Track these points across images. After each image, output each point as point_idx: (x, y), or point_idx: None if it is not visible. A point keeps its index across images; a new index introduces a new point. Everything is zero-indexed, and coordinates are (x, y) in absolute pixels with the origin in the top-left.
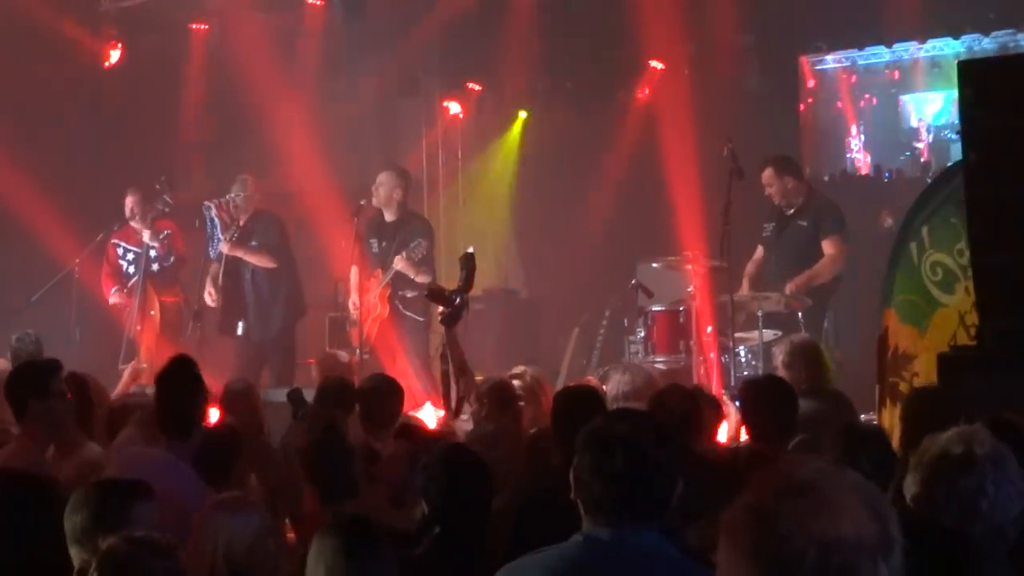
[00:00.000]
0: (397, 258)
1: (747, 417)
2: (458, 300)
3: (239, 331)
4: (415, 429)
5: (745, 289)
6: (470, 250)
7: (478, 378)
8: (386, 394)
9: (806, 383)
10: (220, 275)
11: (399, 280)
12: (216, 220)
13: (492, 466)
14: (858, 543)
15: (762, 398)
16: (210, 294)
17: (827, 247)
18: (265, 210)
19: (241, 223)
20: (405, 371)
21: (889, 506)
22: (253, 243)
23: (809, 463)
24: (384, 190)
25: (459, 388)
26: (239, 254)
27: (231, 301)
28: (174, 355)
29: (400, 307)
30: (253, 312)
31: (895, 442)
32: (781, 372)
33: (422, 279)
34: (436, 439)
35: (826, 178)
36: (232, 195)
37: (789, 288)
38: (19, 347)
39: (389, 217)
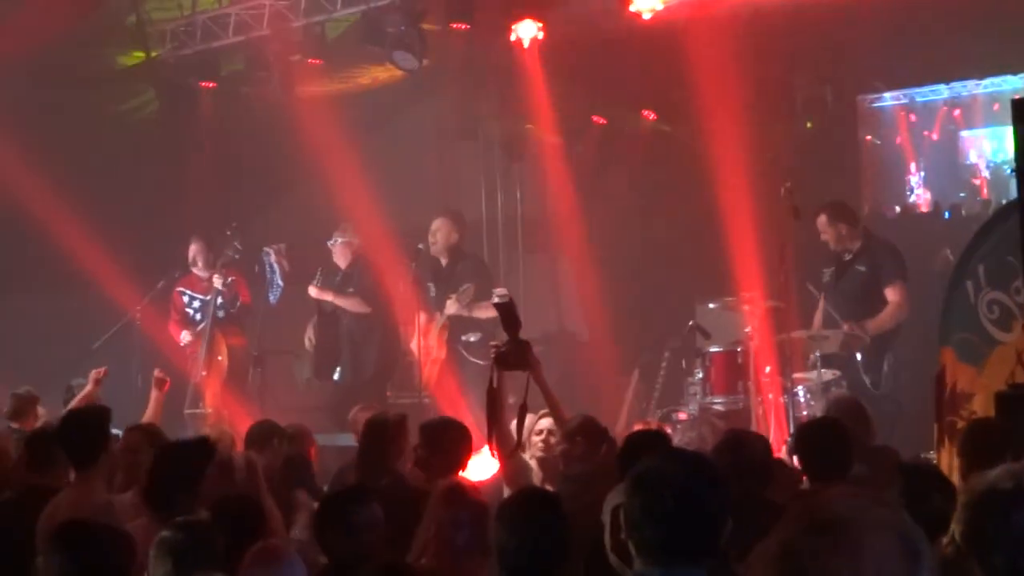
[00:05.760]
0: (448, 302)
1: (802, 460)
2: (503, 347)
3: (335, 376)
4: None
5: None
6: (500, 297)
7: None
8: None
9: None
10: (316, 320)
11: (458, 323)
12: (275, 266)
13: (586, 510)
14: None
15: (815, 441)
16: (309, 339)
17: (890, 295)
18: (365, 255)
19: (343, 267)
20: (466, 417)
21: (927, 546)
22: (350, 289)
23: (847, 498)
24: (441, 236)
25: (521, 424)
26: (329, 298)
27: (328, 346)
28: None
29: (463, 352)
30: (347, 357)
31: (955, 479)
32: None
33: (481, 314)
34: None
35: (890, 215)
36: (332, 240)
37: (849, 328)
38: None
39: (444, 260)
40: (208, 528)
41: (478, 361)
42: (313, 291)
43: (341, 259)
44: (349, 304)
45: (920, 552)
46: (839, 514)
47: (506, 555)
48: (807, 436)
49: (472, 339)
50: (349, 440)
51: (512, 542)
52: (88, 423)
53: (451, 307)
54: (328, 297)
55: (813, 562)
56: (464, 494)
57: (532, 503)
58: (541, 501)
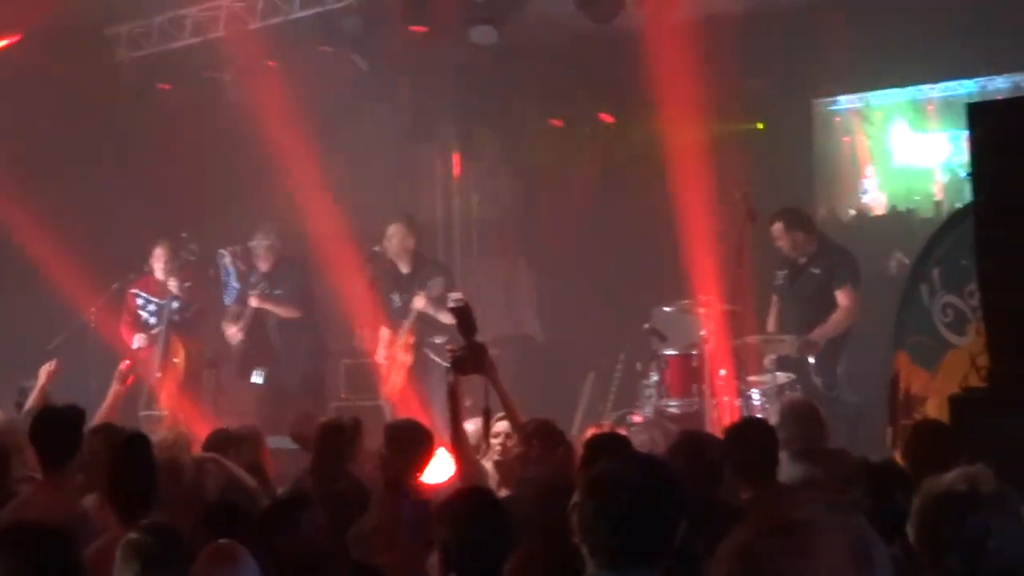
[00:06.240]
0: (416, 298)
1: (732, 459)
2: (459, 351)
3: (256, 379)
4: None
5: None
6: (456, 302)
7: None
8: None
9: (799, 445)
10: (244, 321)
11: (425, 326)
12: (231, 268)
13: (542, 513)
14: None
15: (740, 441)
16: (239, 331)
17: (840, 298)
18: (288, 257)
19: (264, 270)
20: (434, 418)
21: (881, 553)
22: (277, 292)
23: (806, 503)
24: (396, 241)
25: (487, 428)
26: (268, 307)
27: (253, 347)
28: (128, 435)
29: (429, 354)
30: (277, 359)
31: None
32: None
33: (446, 318)
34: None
35: (844, 218)
36: (254, 242)
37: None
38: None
39: (404, 268)
40: (175, 532)
41: (444, 363)
42: (254, 301)
43: (263, 262)
44: (283, 311)
45: (872, 557)
46: (796, 517)
47: (448, 553)
48: (738, 437)
49: (438, 341)
50: (286, 443)
51: (454, 540)
52: (63, 422)
53: (419, 302)
54: (267, 307)
55: (769, 563)
56: (406, 487)
57: (472, 501)
58: (481, 499)
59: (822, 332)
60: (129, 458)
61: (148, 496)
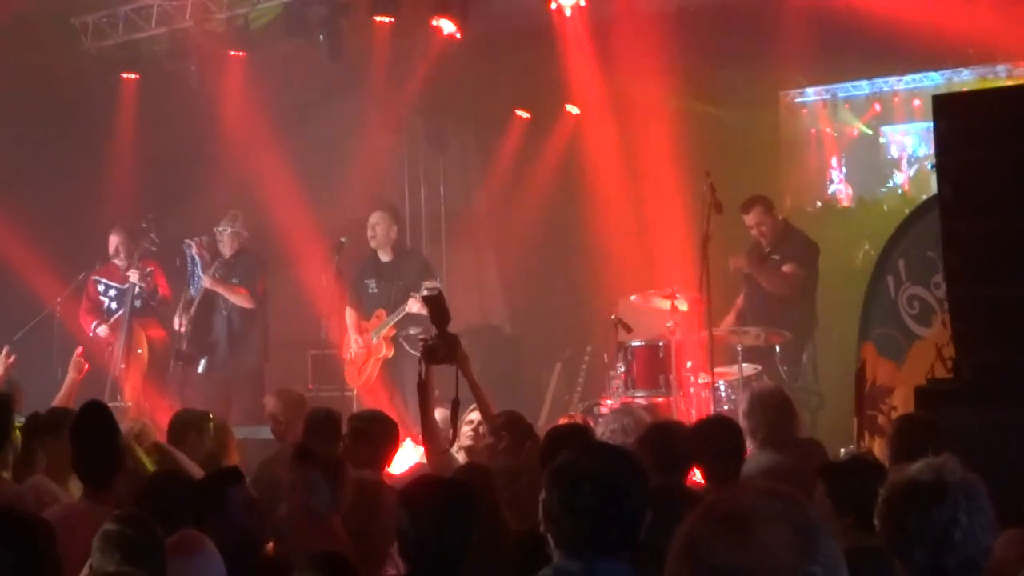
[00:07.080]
0: (411, 300)
1: (697, 457)
2: (432, 340)
3: (200, 368)
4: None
5: (730, 324)
6: (429, 291)
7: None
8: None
9: (766, 433)
10: (194, 307)
11: (404, 319)
12: (196, 258)
13: (516, 497)
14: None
15: (707, 437)
16: (181, 326)
17: (785, 268)
18: (250, 249)
19: (227, 256)
20: (404, 409)
21: (827, 545)
22: (234, 280)
23: (753, 491)
24: (381, 230)
25: (455, 418)
26: (220, 290)
27: (201, 334)
28: (87, 402)
29: (405, 345)
30: (224, 348)
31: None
32: (742, 421)
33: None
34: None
35: (810, 209)
36: (220, 228)
37: (732, 263)
38: None
39: (385, 257)
40: (153, 523)
41: (417, 353)
42: (207, 281)
43: (227, 249)
44: (237, 299)
45: (816, 548)
46: (738, 505)
47: (405, 542)
48: (704, 435)
49: (413, 332)
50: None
51: (412, 530)
52: None
53: (414, 304)
54: (219, 289)
55: (707, 551)
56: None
57: (436, 491)
58: (446, 489)
59: (750, 265)
60: (91, 427)
61: (112, 464)
